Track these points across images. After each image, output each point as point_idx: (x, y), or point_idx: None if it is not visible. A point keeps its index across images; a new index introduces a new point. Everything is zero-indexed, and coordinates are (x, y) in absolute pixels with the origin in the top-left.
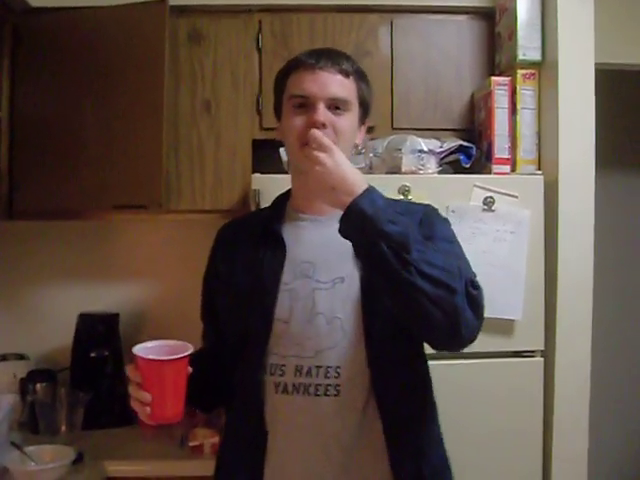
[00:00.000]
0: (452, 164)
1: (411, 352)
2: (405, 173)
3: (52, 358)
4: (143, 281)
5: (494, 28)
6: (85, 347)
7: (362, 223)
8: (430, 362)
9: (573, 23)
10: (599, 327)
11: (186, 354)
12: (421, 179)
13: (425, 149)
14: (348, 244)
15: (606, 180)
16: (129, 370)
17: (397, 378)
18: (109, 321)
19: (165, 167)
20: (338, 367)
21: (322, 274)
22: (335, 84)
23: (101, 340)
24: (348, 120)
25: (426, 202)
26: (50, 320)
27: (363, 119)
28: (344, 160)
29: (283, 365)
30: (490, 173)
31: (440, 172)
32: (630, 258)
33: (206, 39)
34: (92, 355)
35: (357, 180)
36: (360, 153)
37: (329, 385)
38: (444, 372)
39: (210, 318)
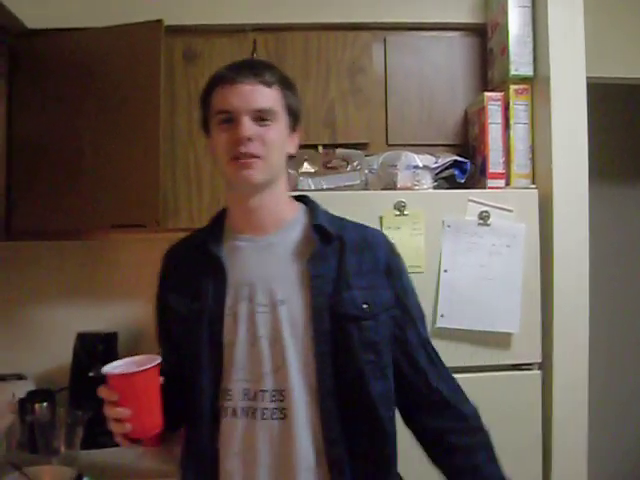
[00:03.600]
0: (447, 179)
1: None
2: (401, 189)
3: (51, 378)
4: (141, 300)
5: (486, 44)
6: (84, 366)
7: None
8: None
9: (564, 38)
10: (596, 338)
11: (154, 364)
12: (417, 195)
13: (420, 165)
14: (287, 265)
15: (600, 192)
16: (102, 392)
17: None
18: (108, 340)
19: (162, 186)
20: (283, 390)
21: (261, 297)
22: (257, 95)
23: (100, 359)
24: (275, 130)
25: (416, 218)
26: (48, 340)
27: (294, 126)
28: None
29: (230, 390)
30: (485, 187)
31: (435, 187)
32: (626, 268)
33: (201, 58)
34: (91, 374)
35: None
36: (356, 170)
37: (275, 409)
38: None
39: (166, 342)
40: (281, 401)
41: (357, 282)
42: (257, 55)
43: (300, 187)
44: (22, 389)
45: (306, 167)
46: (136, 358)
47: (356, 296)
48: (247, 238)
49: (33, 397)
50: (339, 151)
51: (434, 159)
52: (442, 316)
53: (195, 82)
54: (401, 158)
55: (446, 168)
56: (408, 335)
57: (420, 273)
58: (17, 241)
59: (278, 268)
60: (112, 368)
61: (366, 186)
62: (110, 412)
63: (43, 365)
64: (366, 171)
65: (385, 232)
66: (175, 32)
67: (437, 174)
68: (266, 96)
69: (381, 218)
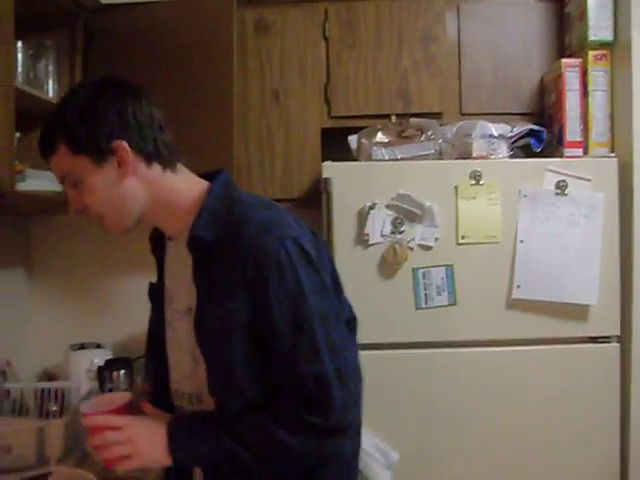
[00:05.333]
0: (523, 148)
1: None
2: (476, 158)
3: (128, 346)
4: None
5: (563, 9)
6: None
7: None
8: (503, 348)
9: None
10: None
11: (121, 404)
12: (492, 164)
13: (495, 134)
14: (187, 272)
15: None
16: (108, 420)
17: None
18: None
19: (236, 157)
20: (198, 394)
21: (178, 303)
22: (53, 167)
23: None
24: (87, 189)
25: (491, 187)
26: (126, 309)
27: (100, 157)
28: (138, 435)
29: (173, 389)
30: (562, 156)
31: (511, 157)
32: None
33: (273, 29)
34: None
35: (158, 448)
36: (430, 139)
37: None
38: (518, 358)
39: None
40: (199, 404)
41: (217, 294)
42: (328, 25)
43: (374, 157)
44: (101, 357)
45: (380, 137)
46: (108, 397)
47: (211, 311)
48: (169, 237)
49: (111, 365)
50: (413, 120)
51: (509, 128)
52: (518, 287)
53: (267, 53)
54: (476, 127)
55: (522, 137)
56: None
57: (495, 244)
58: None
59: (185, 274)
60: (88, 406)
61: (440, 155)
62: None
63: (121, 334)
64: (440, 140)
65: (460, 202)
66: (246, 4)
67: (513, 143)
68: (57, 165)
69: (456, 188)
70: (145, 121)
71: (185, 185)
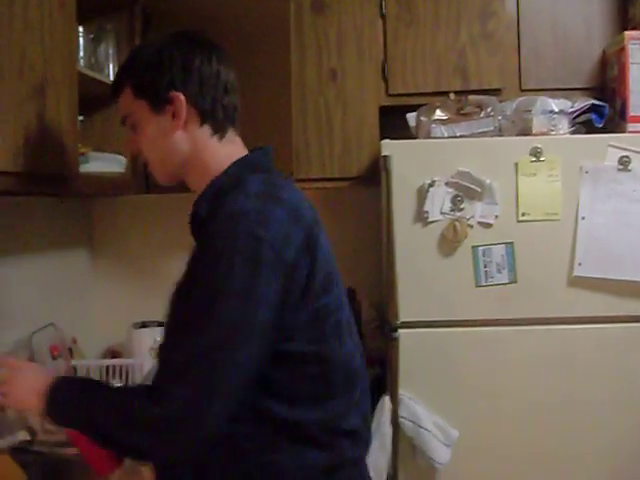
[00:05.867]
0: (584, 124)
1: None
2: (536, 135)
3: None
4: None
5: None
6: None
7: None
8: (564, 326)
9: None
10: None
11: None
12: (553, 140)
13: (556, 109)
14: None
15: None
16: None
17: None
18: None
19: (294, 137)
20: None
21: None
22: (119, 108)
23: None
24: (142, 134)
25: (552, 164)
26: None
27: (158, 105)
28: (22, 378)
29: None
30: (625, 132)
31: (572, 132)
32: None
33: (329, 8)
34: None
35: (33, 396)
36: (489, 116)
37: None
38: (579, 336)
39: None
40: None
41: (186, 273)
42: (385, 3)
43: (433, 135)
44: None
45: (438, 114)
46: None
47: (177, 287)
48: None
49: None
50: (472, 97)
51: (570, 103)
52: (580, 264)
53: (324, 32)
54: (536, 103)
55: (583, 112)
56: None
57: (556, 221)
58: (156, 194)
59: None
60: None
61: (500, 132)
62: None
63: None
64: (500, 117)
65: (520, 179)
66: None
67: (574, 119)
68: (121, 106)
69: (516, 164)
70: (209, 78)
71: (223, 155)
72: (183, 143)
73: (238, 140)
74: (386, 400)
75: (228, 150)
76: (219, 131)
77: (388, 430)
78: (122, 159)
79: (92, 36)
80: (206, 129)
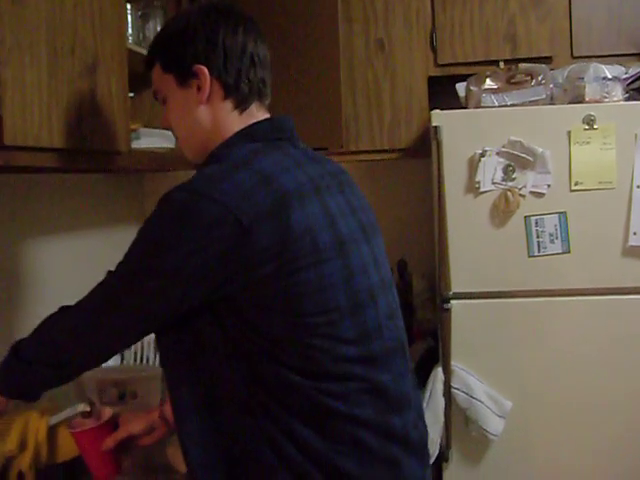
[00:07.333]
0: (639, 90)
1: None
2: (589, 102)
3: None
4: None
5: None
6: None
7: None
8: (618, 296)
9: None
10: None
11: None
12: (607, 107)
13: (609, 76)
14: None
15: None
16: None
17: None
18: None
19: (343, 108)
20: None
21: None
22: (153, 82)
23: None
24: (169, 108)
25: (606, 132)
26: None
27: (183, 79)
28: None
29: None
30: None
31: (626, 99)
32: None
33: None
34: None
35: None
36: (541, 84)
37: None
38: (634, 307)
39: None
40: None
41: None
42: None
43: (483, 104)
44: None
45: (488, 83)
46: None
47: None
48: None
49: None
50: (522, 65)
51: (624, 70)
52: (635, 234)
53: (371, 3)
54: (589, 70)
55: (637, 79)
56: None
57: (611, 190)
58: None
59: None
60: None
61: (552, 100)
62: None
63: None
64: (551, 85)
65: (573, 147)
66: None
67: (628, 85)
68: (153, 80)
69: (569, 133)
70: (234, 52)
71: (237, 129)
72: (205, 118)
73: (260, 114)
74: (439, 371)
75: (244, 123)
76: (241, 105)
77: (441, 401)
78: (172, 135)
79: (140, 13)
80: (228, 104)
